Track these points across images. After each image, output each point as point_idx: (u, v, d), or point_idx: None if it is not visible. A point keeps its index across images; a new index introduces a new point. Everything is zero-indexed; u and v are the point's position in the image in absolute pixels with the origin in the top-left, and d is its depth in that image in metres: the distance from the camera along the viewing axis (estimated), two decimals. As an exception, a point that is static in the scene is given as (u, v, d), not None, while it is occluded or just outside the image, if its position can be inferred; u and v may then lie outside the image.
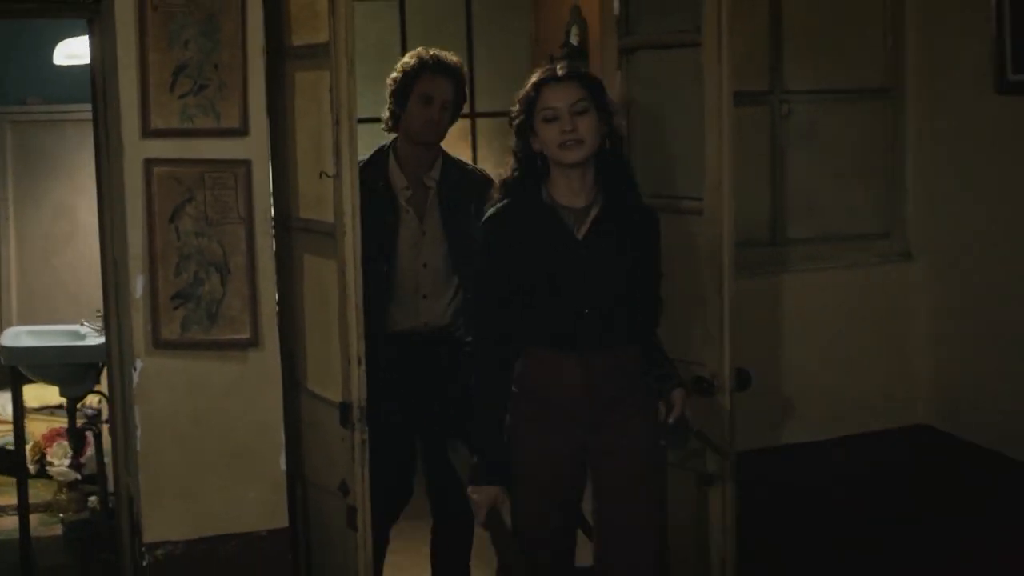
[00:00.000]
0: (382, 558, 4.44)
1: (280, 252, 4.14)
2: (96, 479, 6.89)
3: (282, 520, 4.03)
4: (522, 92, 3.69)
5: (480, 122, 7.90)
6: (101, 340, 6.09)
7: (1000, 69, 4.38)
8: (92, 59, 4.38)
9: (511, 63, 7.52)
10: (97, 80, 4.35)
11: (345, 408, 3.80)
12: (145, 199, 3.82)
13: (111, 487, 4.92)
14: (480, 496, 3.62)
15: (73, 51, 6.78)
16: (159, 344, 3.85)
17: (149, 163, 3.81)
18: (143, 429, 3.88)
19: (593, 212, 3.67)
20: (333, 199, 3.78)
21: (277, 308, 4.05)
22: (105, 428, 6.51)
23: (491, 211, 3.70)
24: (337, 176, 3.75)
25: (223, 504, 3.97)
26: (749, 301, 4.15)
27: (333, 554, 4.08)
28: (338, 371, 3.85)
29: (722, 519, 4.02)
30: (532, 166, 3.68)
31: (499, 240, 3.66)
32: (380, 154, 4.50)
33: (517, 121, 3.69)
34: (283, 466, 4.01)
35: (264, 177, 3.94)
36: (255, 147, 3.92)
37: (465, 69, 4.55)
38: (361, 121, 3.83)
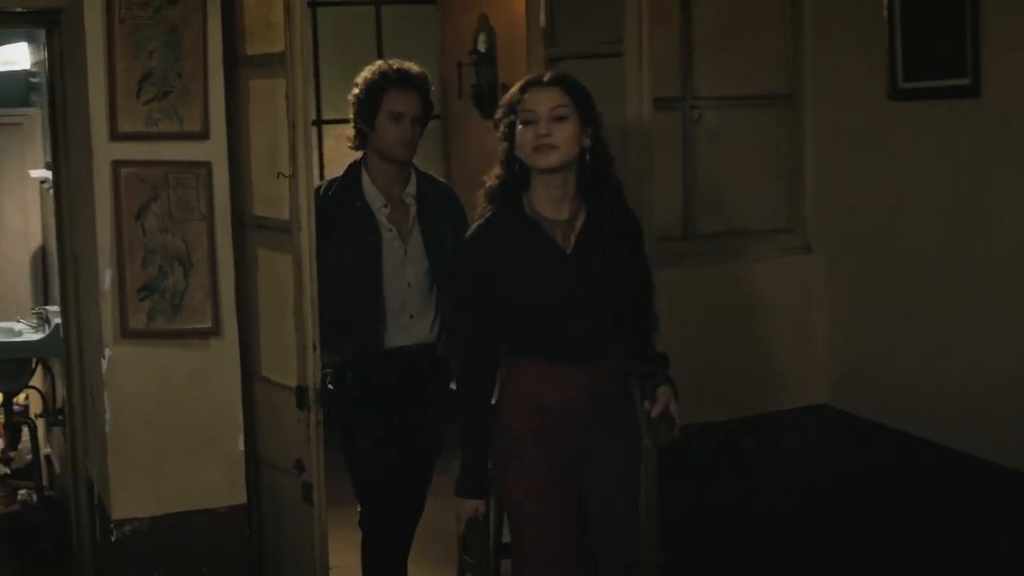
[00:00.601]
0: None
1: (235, 247, 4.35)
2: (24, 473, 7.08)
3: (241, 497, 4.29)
4: (508, 95, 3.65)
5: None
6: (37, 336, 6.32)
7: (892, 77, 4.64)
8: (50, 67, 4.62)
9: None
10: (56, 86, 4.59)
11: (301, 391, 4.04)
12: (113, 198, 4.06)
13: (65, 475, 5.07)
14: (464, 508, 3.61)
15: (9, 57, 6.91)
16: (127, 333, 4.10)
17: (117, 164, 4.06)
18: (111, 413, 4.13)
19: (579, 223, 3.60)
20: (289, 198, 4.03)
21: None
22: (40, 422, 6.73)
23: (473, 228, 3.65)
24: (293, 176, 4.01)
25: (186, 482, 4.23)
26: (661, 292, 4.37)
27: (285, 528, 4.33)
28: (293, 358, 4.11)
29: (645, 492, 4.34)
30: (514, 173, 3.61)
31: (483, 258, 3.59)
32: (353, 171, 4.37)
33: (500, 124, 3.63)
34: (241, 447, 4.28)
35: (223, 178, 4.20)
36: (215, 150, 4.18)
37: (429, 78, 4.38)
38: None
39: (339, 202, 4.26)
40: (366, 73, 4.30)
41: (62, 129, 4.60)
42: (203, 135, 4.15)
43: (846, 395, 5.19)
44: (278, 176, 4.09)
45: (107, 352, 4.12)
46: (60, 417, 6.21)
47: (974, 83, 4.25)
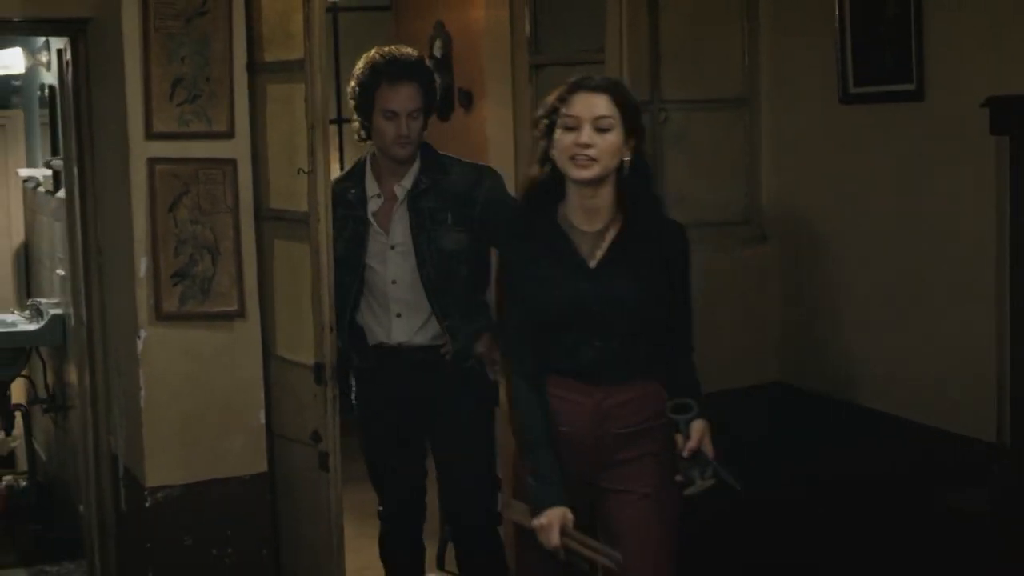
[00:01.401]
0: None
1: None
2: (5, 461, 7.38)
3: (262, 466, 4.66)
4: (554, 93, 3.47)
5: (348, 129, 8.44)
6: (33, 326, 6.63)
7: (842, 83, 4.74)
8: (75, 72, 4.95)
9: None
10: (81, 90, 4.92)
11: (319, 368, 4.39)
12: (148, 192, 4.42)
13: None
14: (549, 519, 3.34)
15: (5, 62, 7.16)
16: (161, 316, 4.46)
17: (151, 161, 4.42)
18: (146, 389, 4.49)
19: (609, 236, 3.41)
20: (308, 192, 4.40)
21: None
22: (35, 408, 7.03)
23: (507, 226, 3.56)
24: (312, 172, 4.38)
25: (213, 452, 4.59)
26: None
27: (302, 495, 4.69)
28: (311, 338, 4.45)
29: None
30: (547, 174, 3.42)
31: (518, 256, 3.47)
32: (359, 165, 4.39)
33: (540, 123, 3.45)
34: (262, 420, 4.65)
35: (247, 173, 4.56)
36: (240, 148, 4.54)
37: (427, 62, 4.21)
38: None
39: (339, 193, 4.28)
40: (359, 66, 4.22)
41: (87, 129, 4.93)
42: (229, 134, 4.50)
43: (796, 372, 5.35)
44: (298, 172, 4.44)
45: (142, 333, 4.47)
46: (54, 403, 6.56)
47: (918, 88, 4.40)
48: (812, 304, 5.23)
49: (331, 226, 4.35)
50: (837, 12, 4.73)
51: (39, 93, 7.02)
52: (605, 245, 3.42)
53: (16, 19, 4.69)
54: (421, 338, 4.29)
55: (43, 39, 6.60)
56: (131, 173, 4.41)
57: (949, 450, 4.20)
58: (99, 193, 4.93)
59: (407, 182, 4.25)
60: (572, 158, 3.34)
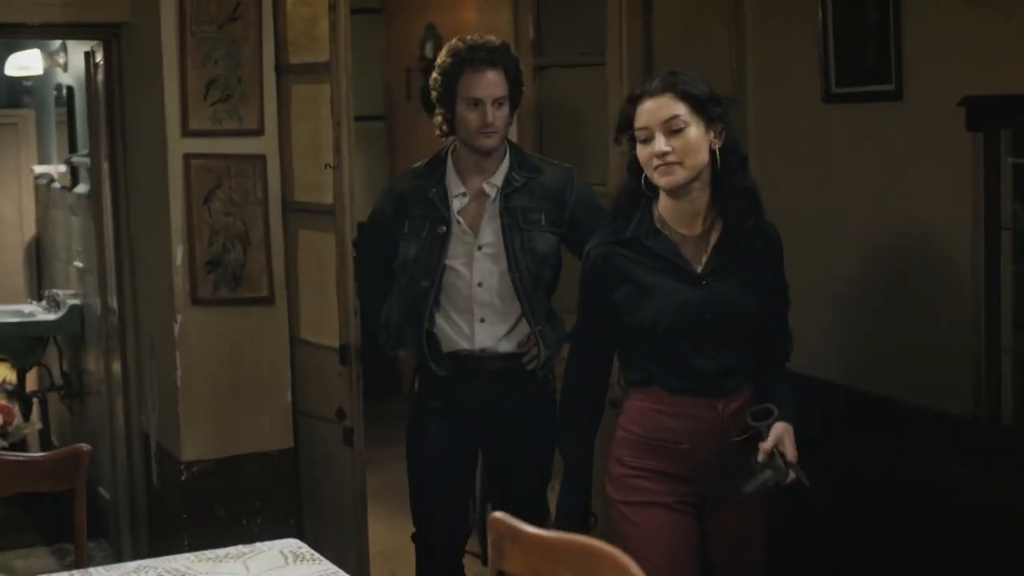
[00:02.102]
0: None
1: (279, 229, 4.98)
2: (17, 446, 7.63)
3: (289, 442, 4.99)
4: (620, 109, 3.29)
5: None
6: (52, 316, 6.92)
7: (825, 83, 4.81)
8: (107, 73, 5.25)
9: (362, 74, 8.15)
10: (114, 90, 5.23)
11: (344, 349, 4.68)
12: (184, 186, 4.74)
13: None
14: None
15: (23, 63, 7.46)
16: (196, 301, 4.79)
17: (187, 157, 4.74)
18: (182, 370, 4.81)
19: (712, 239, 3.20)
20: (333, 184, 4.70)
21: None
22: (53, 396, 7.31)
23: (596, 237, 3.29)
24: (338, 167, 4.70)
25: (243, 429, 4.92)
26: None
27: (325, 469, 5.01)
28: (335, 322, 4.72)
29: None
30: (640, 182, 3.22)
31: (603, 271, 3.24)
32: (437, 160, 4.03)
33: (622, 139, 3.27)
34: (289, 398, 4.97)
35: (275, 169, 4.89)
36: (268, 145, 4.87)
37: (512, 50, 3.94)
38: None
39: (414, 191, 3.99)
40: (442, 55, 3.95)
41: (119, 127, 5.24)
42: (259, 132, 4.83)
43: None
44: (325, 167, 4.77)
45: (179, 318, 4.79)
46: (70, 390, 6.85)
47: (897, 88, 4.51)
48: (797, 295, 5.44)
49: (354, 217, 4.65)
50: (820, 16, 4.84)
51: (55, 93, 7.29)
52: (709, 249, 3.21)
53: (58, 23, 4.99)
54: (506, 345, 3.95)
55: (59, 42, 6.88)
56: (168, 168, 4.73)
57: (931, 425, 4.42)
58: (132, 187, 5.24)
59: (497, 179, 3.92)
60: (656, 169, 3.14)
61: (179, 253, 4.76)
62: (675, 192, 3.17)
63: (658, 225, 3.23)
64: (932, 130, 4.36)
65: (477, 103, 3.84)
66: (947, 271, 4.33)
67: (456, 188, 3.92)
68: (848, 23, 4.74)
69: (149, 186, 5.00)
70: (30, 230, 8.12)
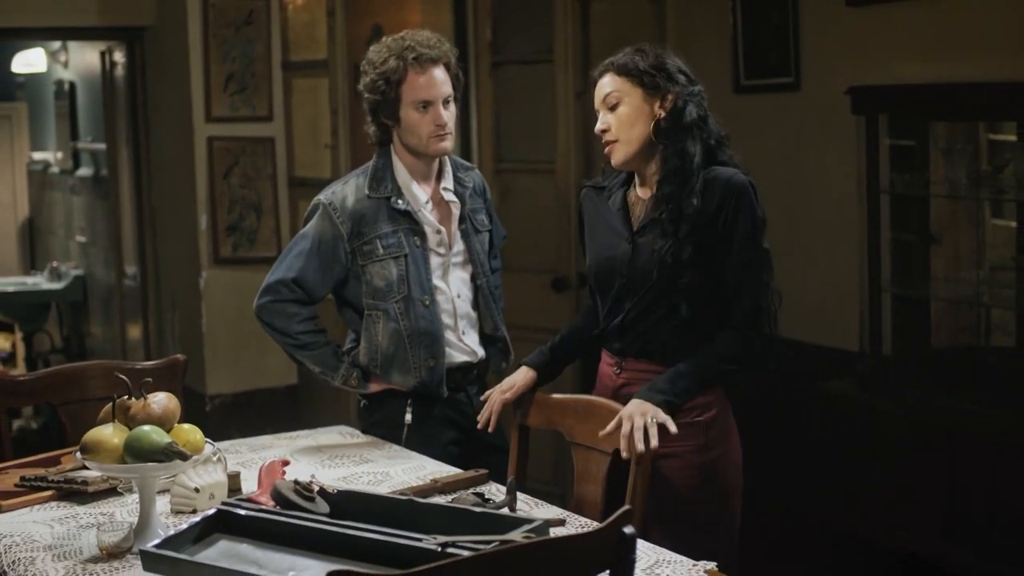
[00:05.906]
0: None
1: (281, 200, 5.87)
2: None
3: (294, 379, 5.91)
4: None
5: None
6: (57, 285, 7.75)
7: (735, 76, 5.25)
8: (131, 70, 6.13)
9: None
10: (137, 84, 6.11)
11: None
12: (208, 163, 5.65)
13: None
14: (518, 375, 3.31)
15: (29, 61, 8.23)
16: (218, 260, 5.70)
17: (210, 139, 5.65)
18: (207, 317, 5.71)
19: (652, 199, 3.03)
20: (331, 161, 5.62)
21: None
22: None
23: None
24: (335, 147, 5.64)
25: (255, 368, 5.82)
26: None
27: (322, 402, 5.87)
28: None
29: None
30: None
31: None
32: (382, 170, 3.45)
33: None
34: (294, 342, 5.86)
35: (283, 149, 5.81)
36: (276, 129, 5.79)
37: (449, 45, 3.40)
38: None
39: (376, 206, 3.43)
40: (374, 57, 3.37)
41: (142, 116, 6.12)
42: (269, 118, 5.75)
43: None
44: (324, 147, 5.69)
45: (204, 274, 5.69)
46: (70, 352, 7.66)
47: (796, 80, 4.98)
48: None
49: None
50: (731, 19, 5.32)
51: (55, 88, 8.04)
52: (647, 207, 3.05)
53: (92, 26, 5.86)
54: (480, 355, 3.55)
55: (60, 43, 7.66)
56: (195, 149, 5.62)
57: (824, 355, 5.17)
58: (154, 166, 6.12)
59: (447, 182, 3.52)
60: (605, 146, 3.04)
61: (203, 220, 5.65)
62: (623, 167, 3.06)
63: (633, 183, 3.11)
64: (825, 115, 4.88)
65: (427, 105, 3.36)
66: (839, 232, 4.89)
67: (422, 196, 3.45)
68: (754, 24, 5.18)
69: (174, 165, 5.89)
70: (23, 211, 8.86)
